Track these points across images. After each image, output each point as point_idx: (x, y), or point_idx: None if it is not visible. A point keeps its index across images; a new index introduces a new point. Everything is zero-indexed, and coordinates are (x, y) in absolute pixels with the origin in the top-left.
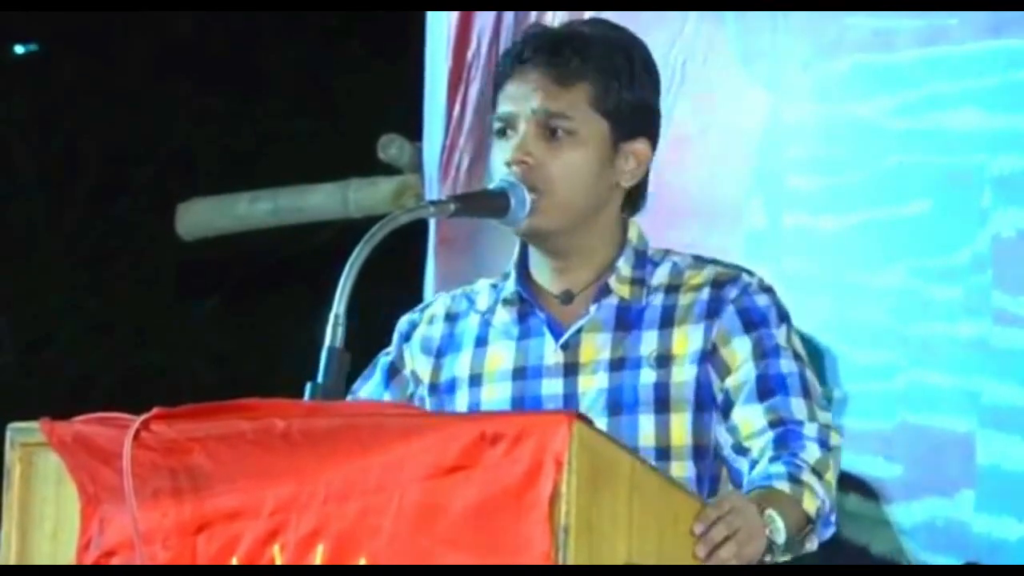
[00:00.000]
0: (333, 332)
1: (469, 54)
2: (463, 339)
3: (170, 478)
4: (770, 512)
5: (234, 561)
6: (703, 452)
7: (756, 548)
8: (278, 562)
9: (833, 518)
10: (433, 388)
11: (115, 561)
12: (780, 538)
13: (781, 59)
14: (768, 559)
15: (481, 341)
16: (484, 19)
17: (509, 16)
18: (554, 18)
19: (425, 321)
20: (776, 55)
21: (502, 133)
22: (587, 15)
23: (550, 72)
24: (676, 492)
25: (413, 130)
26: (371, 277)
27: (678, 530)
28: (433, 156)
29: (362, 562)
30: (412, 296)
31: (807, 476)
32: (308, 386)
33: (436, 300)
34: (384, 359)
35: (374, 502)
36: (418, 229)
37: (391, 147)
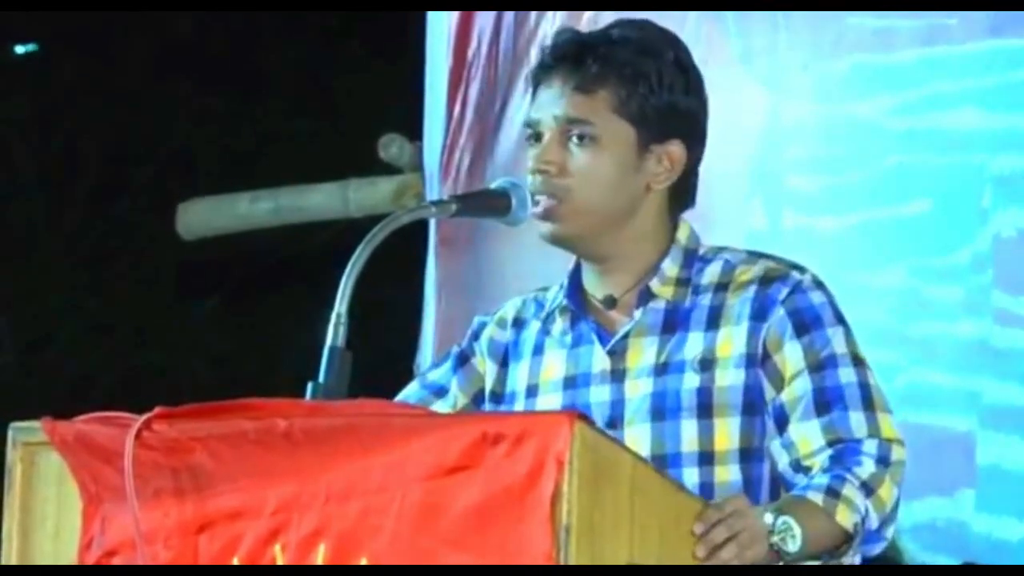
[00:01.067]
0: (335, 331)
1: (469, 54)
2: (524, 348)
3: (172, 478)
4: (785, 519)
5: (235, 561)
6: (750, 455)
7: (757, 552)
8: (279, 562)
9: (886, 532)
10: (494, 396)
11: (117, 561)
12: (792, 547)
13: (781, 59)
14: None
15: (538, 350)
16: (484, 19)
17: (509, 16)
18: (555, 18)
19: (494, 323)
20: (776, 55)
21: (534, 139)
22: (587, 15)
23: (572, 79)
24: (677, 493)
25: (413, 130)
26: (372, 277)
27: (679, 531)
28: (433, 156)
29: (363, 562)
30: (412, 296)
31: (848, 490)
32: (310, 385)
33: (507, 304)
34: (456, 348)
35: (376, 502)
36: (418, 229)
37: (391, 147)
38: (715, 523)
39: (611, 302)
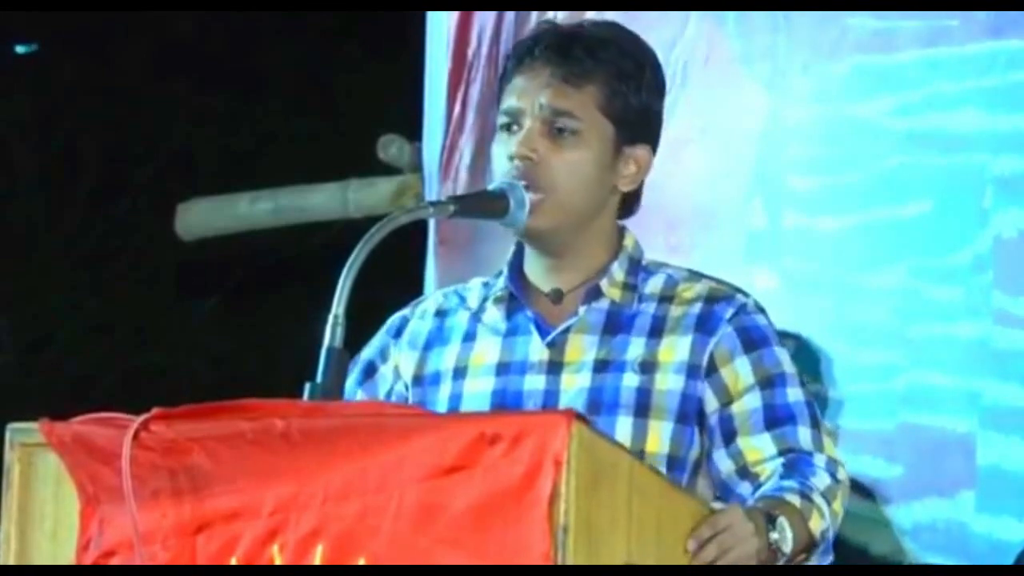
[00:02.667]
0: (332, 332)
1: (469, 54)
2: (451, 334)
3: (169, 478)
4: (782, 520)
5: (233, 561)
6: (676, 463)
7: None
8: (277, 562)
9: (830, 546)
10: (417, 380)
11: (114, 561)
12: (788, 547)
13: (782, 60)
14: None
15: (469, 336)
16: (484, 19)
17: (509, 16)
18: (555, 18)
19: (416, 317)
20: (777, 56)
21: (507, 128)
22: (588, 15)
23: (560, 70)
24: (675, 493)
25: (413, 130)
26: (371, 277)
27: (677, 530)
28: (433, 156)
29: (361, 562)
30: (412, 296)
31: (817, 498)
32: (307, 386)
33: (429, 297)
34: (364, 356)
35: (373, 502)
36: (418, 229)
37: (391, 147)
38: (707, 540)
39: (558, 296)
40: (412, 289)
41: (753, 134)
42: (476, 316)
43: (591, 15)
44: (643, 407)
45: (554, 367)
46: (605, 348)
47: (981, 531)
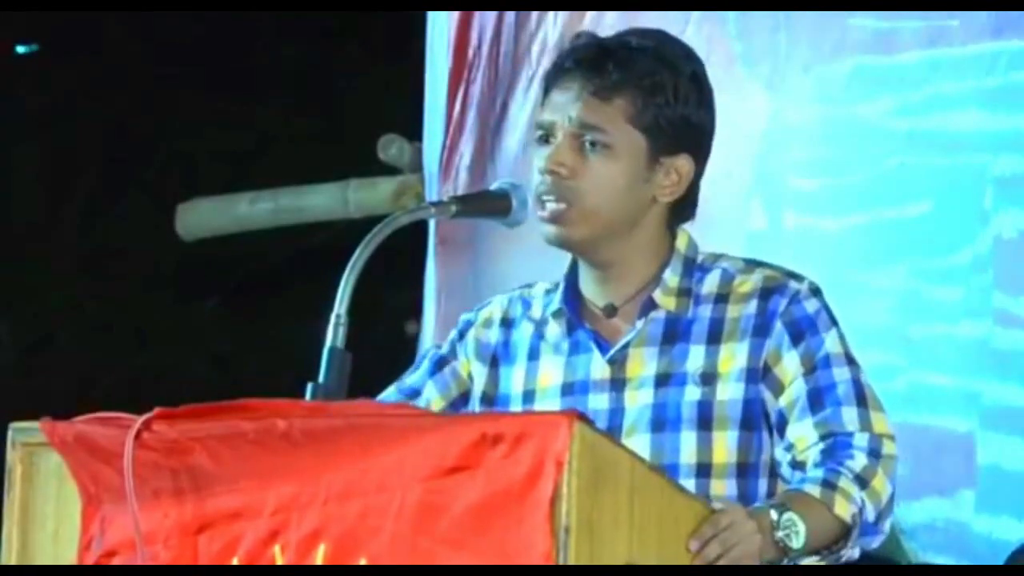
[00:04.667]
0: (334, 332)
1: (470, 53)
2: (517, 351)
3: (171, 478)
4: (789, 515)
5: (235, 561)
6: (746, 470)
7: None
8: (279, 562)
9: (883, 525)
10: (486, 399)
11: (116, 561)
12: (796, 543)
13: (783, 60)
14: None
15: (533, 354)
16: (484, 18)
17: (510, 16)
18: (555, 22)
19: (480, 324)
20: (778, 56)
21: (543, 140)
22: (589, 15)
23: (590, 84)
24: (677, 493)
25: (413, 130)
26: (372, 277)
27: (679, 531)
28: (433, 156)
29: (363, 562)
30: (412, 297)
31: (844, 482)
32: (309, 386)
33: (492, 301)
34: (434, 351)
35: (375, 502)
36: (418, 229)
37: (391, 147)
38: (709, 539)
39: (611, 311)
40: (412, 290)
41: (754, 134)
42: (539, 331)
43: (588, 17)
44: (706, 420)
45: (617, 384)
46: (665, 359)
47: (981, 531)
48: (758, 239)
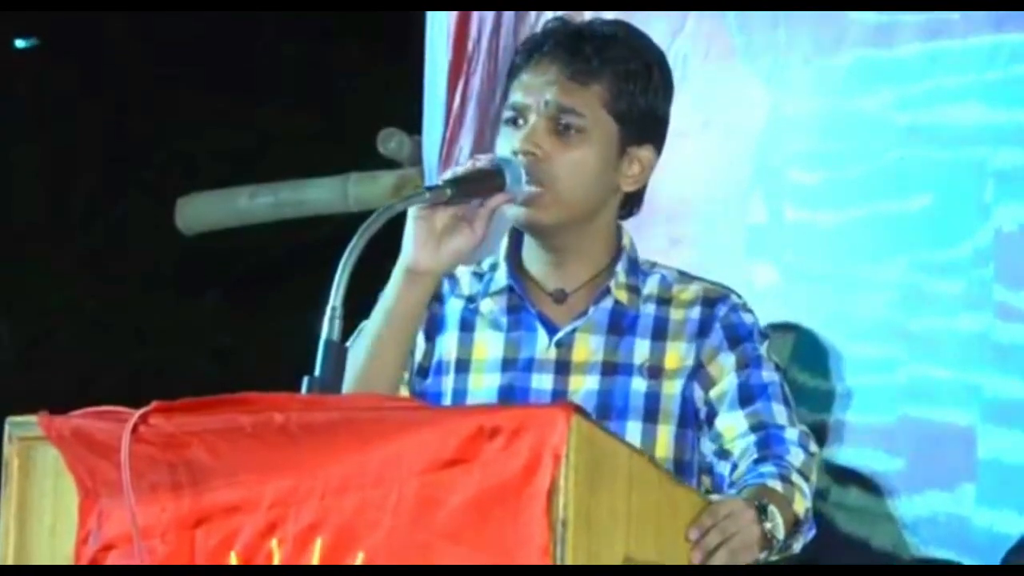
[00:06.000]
0: (330, 325)
1: (469, 47)
2: (447, 322)
3: (168, 472)
4: (772, 508)
5: (232, 555)
6: (682, 467)
7: (751, 555)
8: (276, 556)
9: (813, 521)
10: (422, 371)
11: (113, 555)
12: (780, 534)
13: (783, 53)
14: (764, 556)
15: (467, 326)
16: (484, 12)
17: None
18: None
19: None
20: (778, 49)
21: (512, 122)
22: (588, 15)
23: (568, 68)
24: (675, 486)
25: (413, 124)
26: (369, 270)
27: (677, 524)
28: (433, 150)
29: (360, 556)
30: None
31: (796, 478)
32: (305, 380)
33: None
34: None
35: (372, 496)
36: None
37: (391, 141)
38: (708, 528)
39: (561, 295)
40: None
41: (754, 128)
42: (472, 307)
43: (588, 16)
44: (652, 412)
45: (562, 367)
46: (612, 349)
47: (982, 524)
48: (758, 232)
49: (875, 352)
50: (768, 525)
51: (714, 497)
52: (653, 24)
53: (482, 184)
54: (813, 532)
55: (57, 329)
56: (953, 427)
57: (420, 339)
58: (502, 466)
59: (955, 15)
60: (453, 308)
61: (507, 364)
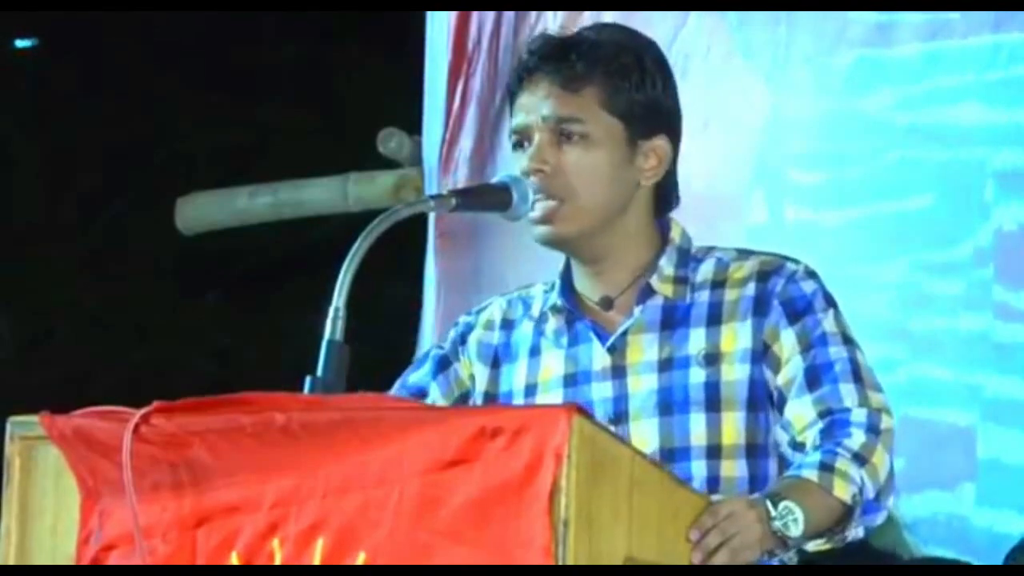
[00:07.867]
0: (333, 325)
1: (469, 47)
2: (519, 349)
3: (170, 472)
4: (786, 504)
5: (234, 555)
6: (756, 451)
7: (751, 555)
8: (277, 556)
9: (885, 502)
10: (488, 398)
11: (115, 555)
12: (795, 530)
13: (783, 53)
14: (781, 552)
15: (535, 351)
16: (485, 13)
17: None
18: (555, 17)
19: (481, 325)
20: (778, 49)
21: (519, 145)
22: (587, 15)
23: (558, 78)
24: (676, 487)
25: (413, 124)
26: (371, 271)
27: (678, 525)
28: (433, 150)
29: (362, 556)
30: (412, 290)
31: (841, 463)
32: (308, 380)
33: (492, 303)
34: (436, 351)
35: (374, 496)
36: (418, 223)
37: (391, 141)
38: (709, 529)
39: (607, 303)
40: (412, 283)
41: (754, 127)
42: (539, 328)
43: (587, 16)
44: (713, 401)
45: (618, 371)
46: (666, 345)
47: (981, 524)
48: (759, 232)
49: (875, 352)
50: (777, 524)
51: (715, 497)
52: (654, 24)
53: (488, 198)
54: (882, 514)
55: (57, 328)
56: (953, 427)
57: (479, 367)
58: (504, 466)
59: (955, 15)
60: (524, 334)
61: (568, 380)
